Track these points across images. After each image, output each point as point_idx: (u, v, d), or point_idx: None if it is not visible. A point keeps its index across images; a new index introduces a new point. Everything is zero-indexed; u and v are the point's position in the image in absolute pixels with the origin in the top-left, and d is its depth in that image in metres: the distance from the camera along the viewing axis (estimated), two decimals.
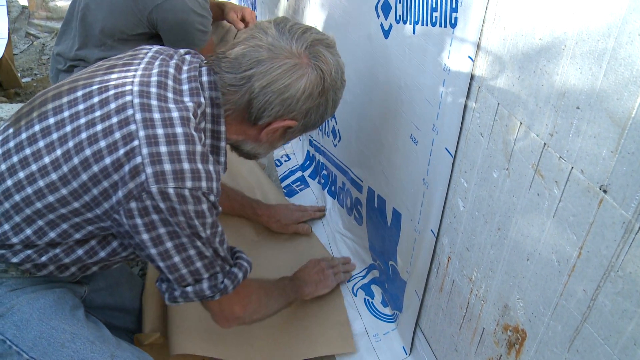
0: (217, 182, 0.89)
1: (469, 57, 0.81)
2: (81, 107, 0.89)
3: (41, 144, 0.88)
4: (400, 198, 1.17)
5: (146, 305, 1.34)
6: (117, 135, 0.84)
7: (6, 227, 0.90)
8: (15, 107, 2.41)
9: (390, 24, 1.06)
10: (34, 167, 0.87)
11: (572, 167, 0.63)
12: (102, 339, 1.00)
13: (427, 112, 0.97)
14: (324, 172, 1.73)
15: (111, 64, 0.97)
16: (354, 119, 1.38)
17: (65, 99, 0.91)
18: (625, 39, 0.52)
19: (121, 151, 0.83)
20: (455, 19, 0.82)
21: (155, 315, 1.32)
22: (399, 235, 1.21)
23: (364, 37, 1.20)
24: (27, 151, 0.89)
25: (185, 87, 0.93)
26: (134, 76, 0.92)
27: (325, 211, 1.67)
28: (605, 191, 0.58)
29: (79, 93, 0.91)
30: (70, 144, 0.86)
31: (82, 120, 0.87)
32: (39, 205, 0.88)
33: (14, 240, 0.90)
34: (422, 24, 0.93)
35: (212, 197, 0.88)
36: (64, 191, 0.86)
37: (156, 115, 0.86)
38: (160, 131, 0.84)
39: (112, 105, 0.87)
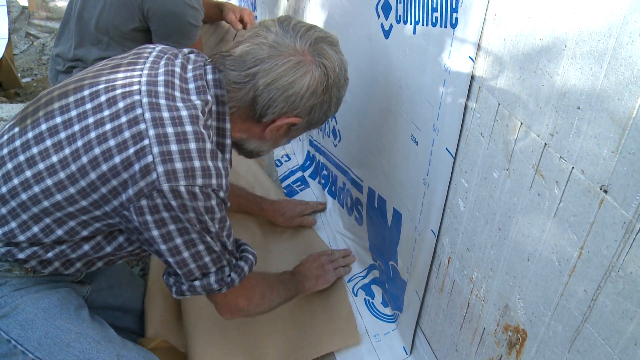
0: (226, 179, 0.91)
1: (470, 57, 0.81)
2: (88, 106, 0.89)
3: (48, 142, 0.88)
4: (401, 198, 1.17)
5: (149, 310, 1.34)
6: (127, 134, 0.85)
7: (13, 225, 0.90)
8: (15, 107, 2.41)
9: (391, 24, 1.06)
10: (41, 166, 0.88)
11: (573, 167, 0.63)
12: (107, 339, 1.00)
13: (427, 112, 0.97)
14: (324, 172, 1.73)
15: (116, 63, 0.97)
16: (354, 119, 1.38)
17: (71, 98, 0.91)
18: (626, 39, 0.52)
19: (131, 150, 0.84)
20: (456, 19, 0.82)
21: (158, 319, 1.32)
22: (399, 235, 1.21)
23: (364, 37, 1.20)
24: (34, 150, 0.89)
25: (191, 85, 0.94)
26: (140, 75, 0.92)
27: (325, 207, 1.68)
28: (605, 191, 0.58)
29: (86, 92, 0.91)
30: (79, 143, 0.86)
31: (91, 120, 0.87)
32: (46, 203, 0.88)
33: (21, 237, 0.91)
34: (423, 24, 0.93)
35: (221, 194, 0.89)
36: (72, 190, 0.87)
37: (165, 114, 0.86)
38: (170, 130, 0.85)
39: (121, 105, 0.87)
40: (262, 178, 1.77)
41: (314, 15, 1.55)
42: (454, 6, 0.82)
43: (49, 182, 0.87)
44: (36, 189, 0.88)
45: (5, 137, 0.94)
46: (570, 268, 0.67)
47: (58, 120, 0.89)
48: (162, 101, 0.88)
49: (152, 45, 1.03)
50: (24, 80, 3.10)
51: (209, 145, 0.87)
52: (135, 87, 0.90)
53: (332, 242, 1.58)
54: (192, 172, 0.84)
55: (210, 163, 0.86)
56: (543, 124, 0.67)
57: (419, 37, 0.95)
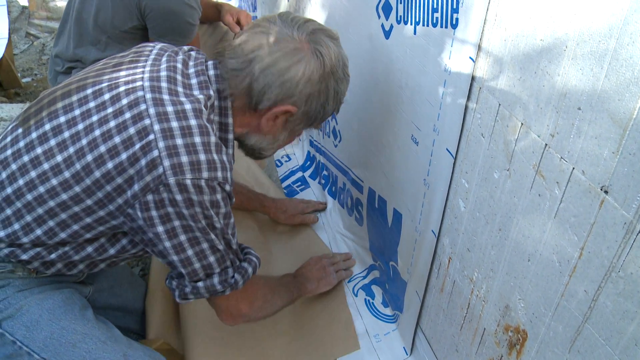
0: (231, 172, 0.91)
1: (470, 57, 0.81)
2: (92, 104, 0.89)
3: (52, 142, 0.88)
4: (401, 198, 1.17)
5: (150, 312, 1.34)
6: (132, 130, 0.85)
7: (16, 226, 0.90)
8: (16, 107, 2.41)
9: (391, 24, 1.06)
10: (46, 166, 0.88)
11: (574, 168, 0.63)
12: (113, 339, 1.00)
13: (428, 112, 0.97)
14: (325, 172, 1.73)
15: (117, 62, 0.98)
16: (354, 120, 1.38)
17: (75, 97, 0.91)
18: (626, 40, 0.53)
19: (137, 146, 0.84)
20: (456, 19, 0.82)
21: (159, 321, 1.32)
22: (399, 235, 1.21)
23: (364, 37, 1.20)
24: (39, 150, 0.89)
25: (194, 80, 0.94)
26: (142, 72, 0.93)
27: (326, 207, 1.68)
28: (606, 192, 0.58)
29: (89, 91, 0.91)
30: (84, 141, 0.87)
31: (95, 118, 0.88)
32: (52, 203, 0.88)
33: (24, 240, 0.91)
34: (423, 25, 0.93)
35: (227, 187, 0.89)
36: (77, 189, 0.87)
37: (169, 109, 0.87)
38: (174, 124, 0.85)
39: (124, 101, 0.88)
40: (262, 179, 1.78)
41: (315, 15, 1.56)
42: (454, 7, 0.82)
43: (54, 181, 0.87)
44: (41, 189, 0.88)
45: (9, 139, 0.94)
46: (570, 268, 0.67)
47: (62, 119, 0.90)
48: (166, 96, 0.88)
49: (151, 44, 1.04)
50: (24, 80, 3.10)
51: (213, 139, 0.88)
52: (139, 84, 0.90)
53: (332, 242, 1.58)
54: (197, 166, 0.84)
55: (215, 156, 0.87)
56: (544, 124, 0.67)
57: (420, 38, 0.95)
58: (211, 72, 0.96)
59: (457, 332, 1.03)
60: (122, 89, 0.89)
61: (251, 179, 1.74)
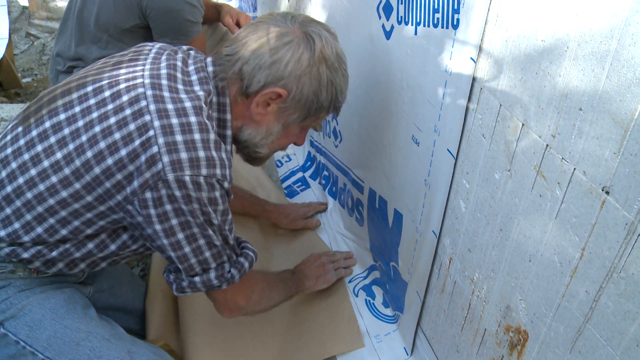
0: (230, 169, 0.91)
1: (471, 58, 0.81)
2: (92, 101, 0.89)
3: (52, 139, 0.89)
4: (402, 199, 1.17)
5: (150, 312, 1.34)
6: (132, 126, 0.85)
7: (17, 225, 0.90)
8: (16, 107, 2.41)
9: (392, 25, 1.06)
10: (45, 164, 0.88)
11: (575, 169, 0.63)
12: (117, 337, 1.00)
13: (428, 113, 0.97)
14: (325, 172, 1.73)
15: (117, 61, 0.98)
16: (355, 120, 1.38)
17: (75, 95, 0.92)
18: (628, 41, 0.53)
19: (137, 142, 0.84)
20: (457, 20, 0.83)
21: (160, 322, 1.32)
22: (400, 236, 1.21)
23: (365, 38, 1.20)
24: (39, 148, 0.89)
25: (194, 77, 0.95)
26: (143, 70, 0.93)
27: (327, 207, 1.68)
28: (607, 192, 0.58)
29: (89, 88, 0.92)
30: (84, 138, 0.87)
31: (95, 115, 0.88)
32: (52, 201, 0.88)
33: (25, 238, 0.91)
34: (424, 25, 0.93)
35: (225, 184, 0.89)
36: (77, 185, 0.87)
37: (169, 106, 0.87)
38: (174, 120, 0.86)
39: (125, 98, 0.88)
40: (264, 180, 1.78)
41: (315, 16, 1.55)
42: (455, 7, 0.82)
43: (54, 179, 0.87)
44: (41, 187, 0.88)
45: (9, 137, 0.94)
46: (571, 269, 0.67)
47: (62, 117, 0.90)
48: (166, 93, 0.89)
49: (151, 43, 1.04)
50: (24, 80, 3.10)
51: (212, 136, 0.88)
52: (139, 81, 0.90)
53: (332, 242, 1.58)
54: (197, 162, 0.84)
55: (214, 153, 0.87)
56: (545, 125, 0.67)
57: (420, 38, 0.95)
58: (210, 69, 0.97)
59: (457, 332, 1.03)
60: (122, 86, 0.90)
61: (253, 181, 1.74)
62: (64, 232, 0.91)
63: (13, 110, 2.35)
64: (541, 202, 0.71)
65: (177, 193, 0.84)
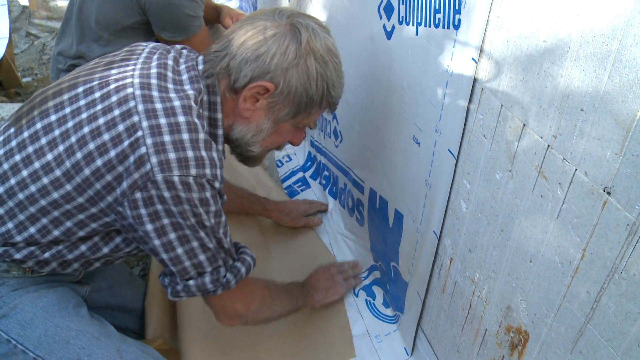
0: (221, 169, 0.90)
1: (472, 58, 0.81)
2: (82, 102, 0.89)
3: (43, 141, 0.89)
4: (403, 199, 1.17)
5: (149, 311, 1.34)
6: (121, 127, 0.85)
7: (10, 225, 0.91)
8: (16, 106, 2.41)
9: (393, 25, 1.06)
10: (37, 165, 0.88)
11: (576, 169, 0.63)
12: (107, 335, 1.00)
13: (429, 113, 0.97)
14: (325, 172, 1.73)
15: (109, 61, 0.98)
16: (355, 120, 1.38)
17: (66, 96, 0.92)
18: (630, 41, 0.53)
19: (126, 143, 0.84)
20: (459, 20, 0.83)
21: (159, 321, 1.32)
22: (400, 236, 1.21)
23: (366, 38, 1.20)
24: (30, 149, 0.89)
25: (184, 76, 0.94)
26: (133, 70, 0.93)
27: (328, 208, 1.67)
28: (609, 193, 0.58)
29: (80, 89, 0.91)
30: (73, 139, 0.87)
31: (84, 115, 0.88)
32: (43, 202, 0.88)
33: (18, 238, 0.91)
34: (425, 26, 0.93)
35: (216, 184, 0.88)
36: (68, 187, 0.87)
37: (158, 106, 0.86)
38: (163, 121, 0.85)
39: (114, 98, 0.88)
40: (264, 179, 1.77)
41: (315, 16, 1.55)
42: (456, 7, 0.83)
43: (45, 180, 0.87)
44: (32, 188, 0.88)
45: (1, 138, 0.94)
46: (573, 269, 0.67)
47: (53, 118, 0.90)
48: (155, 93, 0.88)
49: (144, 43, 1.04)
50: (24, 79, 3.10)
51: (202, 136, 0.87)
52: (129, 81, 0.90)
53: (333, 242, 1.58)
54: (185, 162, 0.84)
55: (204, 153, 0.86)
56: (546, 125, 0.67)
57: (421, 39, 0.95)
58: (200, 67, 0.97)
59: (458, 332, 1.03)
60: (112, 86, 0.89)
61: (254, 180, 1.74)
62: (56, 232, 0.91)
63: (13, 109, 2.35)
64: (542, 203, 0.71)
65: (166, 194, 0.83)
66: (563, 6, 0.61)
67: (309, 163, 1.88)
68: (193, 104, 0.89)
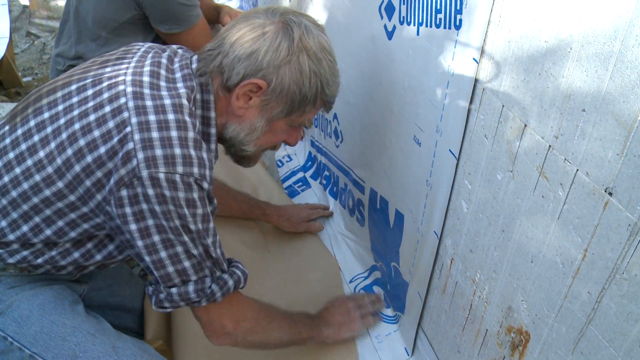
0: (210, 170, 0.88)
1: (474, 59, 0.81)
2: (75, 99, 0.90)
3: (36, 138, 0.89)
4: (403, 200, 1.17)
5: (149, 312, 1.34)
6: (111, 124, 0.85)
7: (3, 223, 0.91)
8: None
9: (394, 25, 1.06)
10: (29, 162, 0.88)
11: (577, 170, 0.63)
12: (102, 332, 1.00)
13: (430, 113, 0.97)
14: (326, 172, 1.73)
15: (105, 60, 0.98)
16: (356, 120, 1.38)
17: (59, 94, 0.92)
18: (632, 42, 0.53)
19: (115, 139, 0.84)
20: (460, 20, 0.82)
21: (158, 322, 1.32)
22: (401, 236, 1.21)
23: (367, 38, 1.20)
24: (23, 146, 0.89)
25: (178, 75, 0.94)
26: (127, 68, 0.93)
27: (332, 213, 1.66)
28: (610, 194, 0.58)
29: (73, 87, 0.92)
30: (64, 135, 0.87)
31: (76, 112, 0.88)
32: (35, 200, 0.88)
33: (11, 237, 0.91)
34: (426, 26, 0.93)
35: (205, 185, 0.86)
36: (60, 184, 0.87)
37: (148, 103, 0.86)
38: (152, 117, 0.85)
39: (105, 95, 0.88)
40: (266, 179, 1.77)
41: (316, 16, 1.55)
42: (458, 8, 0.82)
43: (37, 177, 0.88)
44: (25, 185, 0.88)
45: None
46: (574, 270, 0.67)
47: (46, 115, 0.90)
48: (146, 90, 0.88)
49: (140, 43, 1.05)
50: (24, 79, 3.11)
51: (191, 134, 0.86)
52: (121, 78, 0.90)
53: (333, 243, 1.58)
54: (172, 160, 0.82)
55: (192, 152, 0.85)
56: (547, 126, 0.67)
57: (423, 39, 0.95)
58: (194, 66, 0.97)
59: (459, 333, 1.03)
60: (105, 84, 0.90)
61: (255, 180, 1.74)
62: (48, 232, 0.91)
63: None
64: (543, 203, 0.71)
65: (150, 191, 0.81)
66: (565, 6, 0.61)
67: (310, 163, 1.88)
68: (185, 102, 0.89)
